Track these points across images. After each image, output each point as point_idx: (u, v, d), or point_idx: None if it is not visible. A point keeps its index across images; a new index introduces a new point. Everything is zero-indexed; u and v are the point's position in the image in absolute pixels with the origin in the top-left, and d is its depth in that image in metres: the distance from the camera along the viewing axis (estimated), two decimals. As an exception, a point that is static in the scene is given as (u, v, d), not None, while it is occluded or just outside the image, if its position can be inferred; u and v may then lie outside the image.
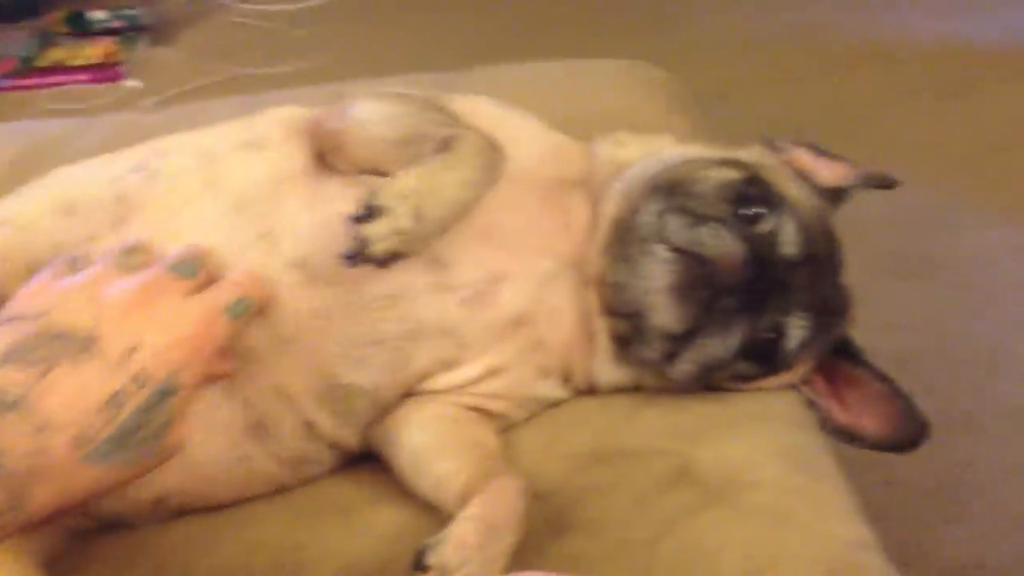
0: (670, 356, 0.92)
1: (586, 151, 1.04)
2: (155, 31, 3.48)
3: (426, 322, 0.90)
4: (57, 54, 3.36)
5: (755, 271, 0.89)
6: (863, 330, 2.10)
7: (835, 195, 1.07)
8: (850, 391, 1.03)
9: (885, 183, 1.09)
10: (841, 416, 1.02)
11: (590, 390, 0.99)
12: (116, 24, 3.49)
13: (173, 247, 0.82)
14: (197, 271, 0.79)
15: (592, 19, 3.60)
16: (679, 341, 0.91)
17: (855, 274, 2.42)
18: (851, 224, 2.49)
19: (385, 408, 0.93)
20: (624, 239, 0.93)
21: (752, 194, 0.94)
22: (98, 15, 3.50)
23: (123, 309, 0.73)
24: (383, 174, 0.86)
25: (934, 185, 2.65)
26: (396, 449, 0.92)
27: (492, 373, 0.93)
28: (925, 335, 2.15)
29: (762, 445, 0.93)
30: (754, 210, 0.93)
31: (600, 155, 1.03)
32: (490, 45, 3.39)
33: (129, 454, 0.70)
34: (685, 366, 0.92)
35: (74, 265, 0.79)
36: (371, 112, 0.94)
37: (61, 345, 0.70)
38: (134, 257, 0.78)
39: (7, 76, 3.26)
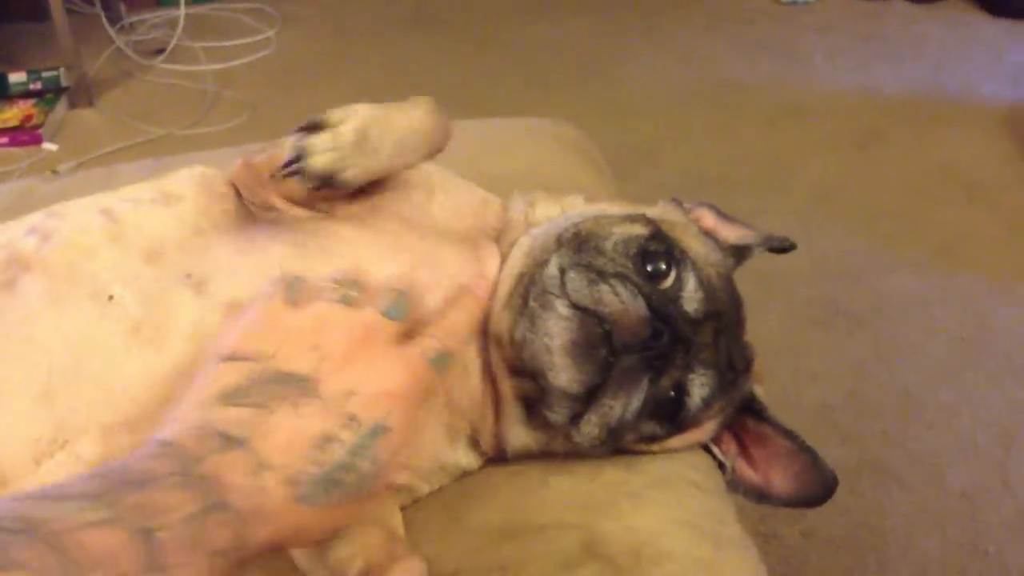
0: (575, 418, 0.90)
1: (502, 207, 1.05)
2: (76, 93, 3.44)
3: None
4: (-27, 118, 3.30)
5: (656, 328, 0.88)
6: (783, 380, 2.16)
7: (738, 252, 1.07)
8: (757, 449, 1.03)
9: (784, 246, 1.11)
10: (749, 474, 1.02)
11: (499, 456, 0.98)
12: (35, 87, 3.45)
13: (378, 277, 0.81)
14: (408, 313, 0.78)
15: (521, 77, 3.65)
16: (582, 402, 0.89)
17: (775, 323, 2.48)
18: (771, 274, 2.55)
19: None
20: (526, 294, 0.91)
21: (655, 250, 0.93)
22: (17, 78, 3.46)
23: (344, 356, 0.73)
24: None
25: (851, 233, 2.72)
26: None
27: None
28: (842, 384, 2.20)
29: (668, 515, 0.93)
30: (657, 266, 0.92)
31: (513, 212, 1.04)
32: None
33: (339, 497, 0.70)
34: (591, 429, 0.90)
35: (292, 291, 0.77)
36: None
37: (283, 387, 0.70)
38: (354, 290, 0.78)
39: (-79, 141, 3.19)
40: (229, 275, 0.89)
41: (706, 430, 1.00)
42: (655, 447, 0.98)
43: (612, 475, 0.97)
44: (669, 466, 0.99)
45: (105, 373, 0.85)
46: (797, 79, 3.61)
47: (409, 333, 0.78)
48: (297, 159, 0.78)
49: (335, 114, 0.80)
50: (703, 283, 0.93)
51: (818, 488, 1.00)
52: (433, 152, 0.92)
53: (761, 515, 1.07)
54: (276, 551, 0.70)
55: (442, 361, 0.78)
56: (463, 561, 0.89)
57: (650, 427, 0.94)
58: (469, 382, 0.95)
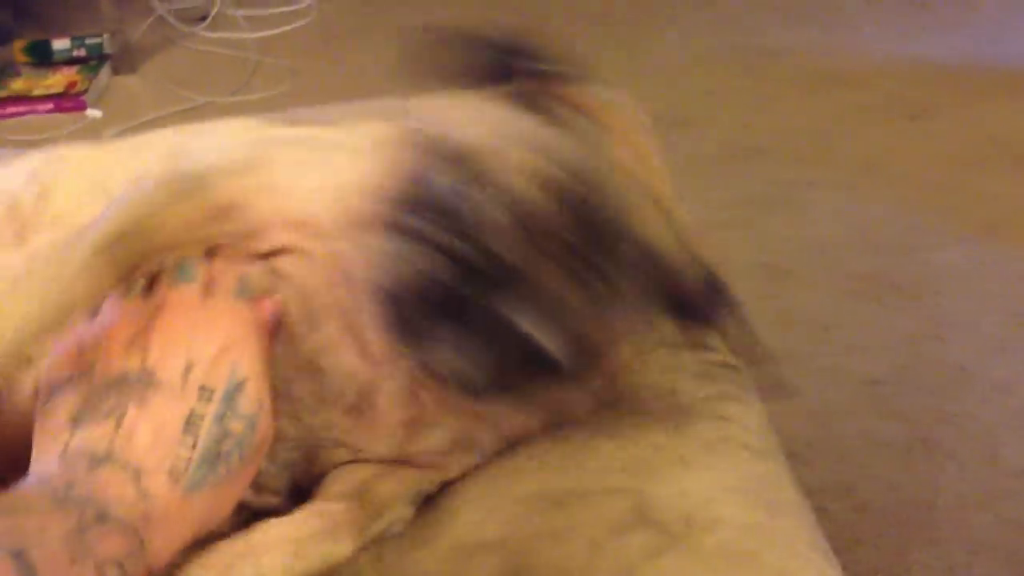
0: None
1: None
2: (119, 60, 3.45)
3: None
4: (17, 84, 3.33)
5: None
6: (832, 354, 2.12)
7: None
8: None
9: None
10: None
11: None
12: (79, 53, 3.46)
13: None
14: (195, 270, 0.78)
15: (564, 41, 3.60)
16: None
17: (824, 297, 2.44)
18: (819, 247, 2.50)
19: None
20: None
21: None
22: (60, 44, 3.47)
23: (162, 336, 0.72)
24: None
25: (899, 206, 2.67)
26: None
27: None
28: (893, 359, 2.15)
29: (720, 480, 0.90)
30: None
31: None
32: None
33: (228, 468, 0.70)
34: None
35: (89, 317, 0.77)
36: None
37: (122, 390, 0.70)
38: (136, 286, 0.78)
39: (-34, 107, 3.21)
40: None
41: None
42: None
43: (659, 438, 0.94)
44: (719, 428, 0.96)
45: None
46: (843, 47, 3.53)
47: (208, 285, 0.77)
48: None
49: None
50: None
51: None
52: None
53: (809, 489, 1.04)
54: (185, 548, 0.69)
55: (244, 287, 0.78)
56: (509, 529, 0.87)
57: None
58: None
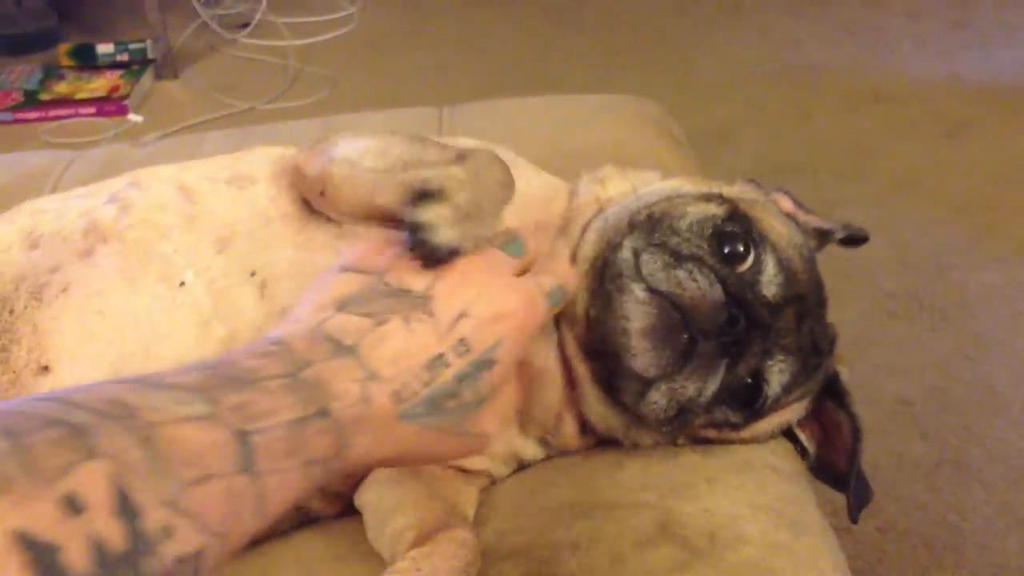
0: (643, 393, 0.87)
1: (569, 190, 1.02)
2: (162, 65, 3.50)
3: None
4: (62, 87, 3.39)
5: (732, 314, 0.84)
6: (862, 372, 2.11)
7: (820, 236, 1.04)
8: (835, 433, 1.01)
9: (860, 235, 1.07)
10: (831, 459, 1.00)
11: (576, 445, 0.98)
12: (122, 58, 3.52)
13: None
14: (525, 251, 0.79)
15: (599, 55, 3.62)
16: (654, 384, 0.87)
17: (856, 315, 2.43)
18: (852, 264, 2.49)
19: None
20: (601, 276, 0.89)
21: (732, 231, 0.90)
22: (104, 49, 3.53)
23: (459, 277, 0.72)
24: (379, 220, 0.80)
25: (935, 225, 2.65)
26: (364, 506, 0.91)
27: None
28: (924, 379, 2.14)
29: (746, 499, 0.91)
30: (734, 248, 0.89)
31: (583, 193, 1.01)
32: (498, 80, 3.41)
33: (440, 421, 0.70)
34: (659, 399, 0.87)
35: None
36: (355, 148, 0.86)
37: (397, 301, 0.70)
38: None
39: (10, 109, 3.29)
40: (287, 279, 0.90)
41: (791, 414, 0.97)
42: (737, 435, 0.95)
43: (689, 458, 0.95)
44: (747, 450, 0.97)
45: (175, 363, 0.86)
46: (882, 64, 3.52)
47: (523, 273, 0.78)
48: (421, 239, 0.72)
49: (441, 180, 0.74)
50: (783, 265, 0.90)
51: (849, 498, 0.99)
52: (513, 195, 0.86)
53: (835, 508, 1.05)
54: (369, 468, 0.69)
55: (557, 295, 0.78)
56: (536, 537, 0.88)
57: (723, 413, 0.91)
58: (547, 374, 0.94)
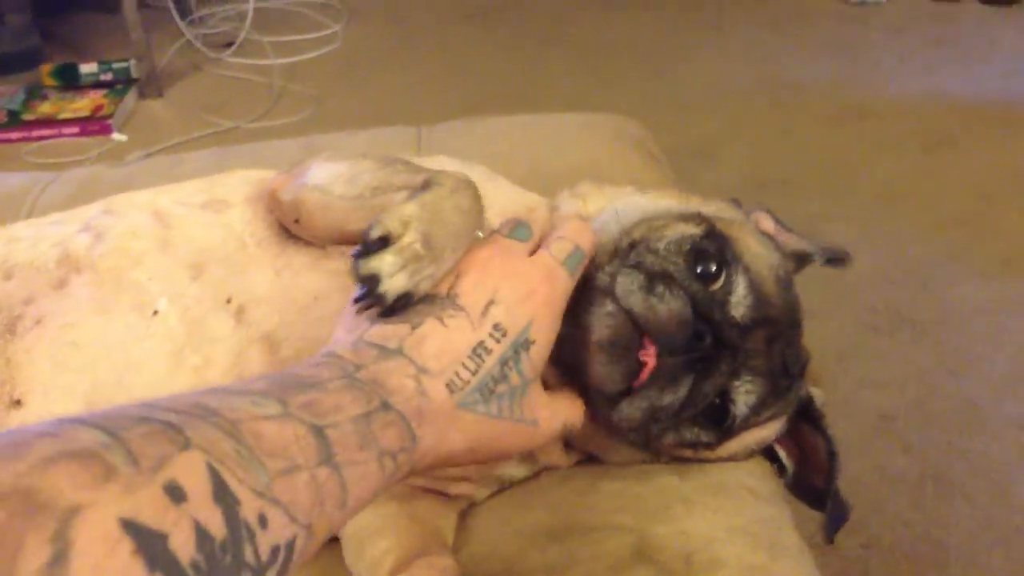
0: (612, 405, 0.86)
1: (548, 209, 1.02)
2: (146, 84, 3.50)
3: None
4: (45, 107, 3.38)
5: (698, 330, 0.83)
6: (845, 387, 2.12)
7: (799, 258, 1.04)
8: (812, 455, 1.01)
9: (841, 256, 1.07)
10: (810, 479, 1.00)
11: (560, 462, 0.98)
12: (106, 77, 3.52)
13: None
14: (531, 233, 0.83)
15: (582, 73, 3.64)
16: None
17: (837, 330, 2.44)
18: (834, 279, 2.51)
19: None
20: (578, 296, 0.87)
21: (707, 250, 0.89)
22: (88, 68, 3.53)
23: (479, 269, 0.76)
24: (352, 244, 0.79)
25: (918, 240, 2.67)
26: (343, 532, 0.90)
27: None
28: (905, 393, 2.15)
29: (722, 521, 0.91)
30: (707, 267, 0.88)
31: (564, 207, 1.01)
32: (483, 98, 3.42)
33: (496, 408, 0.73)
34: (631, 411, 0.85)
35: None
36: (326, 174, 0.86)
37: (427, 305, 0.73)
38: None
39: (-6, 129, 3.27)
40: (267, 304, 0.90)
41: (766, 432, 0.97)
42: (712, 454, 0.95)
43: (665, 480, 0.95)
44: (723, 472, 0.97)
45: (148, 394, 0.86)
46: (864, 81, 3.55)
47: (533, 246, 0.82)
48: (367, 289, 0.72)
49: (387, 224, 0.74)
50: (754, 287, 0.89)
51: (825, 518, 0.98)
52: (482, 221, 0.86)
53: (818, 524, 1.05)
54: (445, 463, 0.72)
55: (573, 259, 0.82)
56: (511, 562, 0.88)
57: (693, 432, 0.90)
58: None
